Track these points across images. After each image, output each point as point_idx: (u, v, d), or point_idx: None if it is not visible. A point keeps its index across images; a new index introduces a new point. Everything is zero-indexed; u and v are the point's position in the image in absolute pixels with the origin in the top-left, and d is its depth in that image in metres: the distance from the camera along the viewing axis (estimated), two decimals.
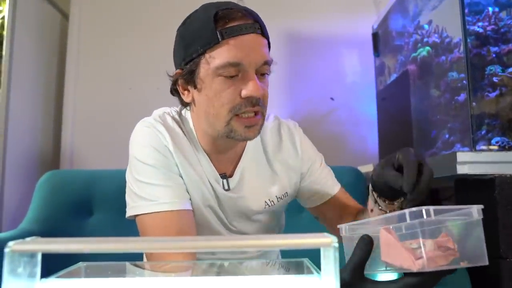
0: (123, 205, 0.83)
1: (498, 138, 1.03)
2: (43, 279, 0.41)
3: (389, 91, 1.62)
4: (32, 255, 0.38)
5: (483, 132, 1.04)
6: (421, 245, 0.50)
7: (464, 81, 1.06)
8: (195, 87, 0.79)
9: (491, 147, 1.02)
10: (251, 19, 0.76)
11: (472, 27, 1.09)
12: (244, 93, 0.75)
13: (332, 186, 0.93)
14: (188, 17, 0.80)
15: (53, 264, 0.45)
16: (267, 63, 0.77)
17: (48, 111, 1.83)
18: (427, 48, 1.30)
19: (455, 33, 1.12)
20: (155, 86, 1.67)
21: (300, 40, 1.87)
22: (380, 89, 1.73)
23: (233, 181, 0.86)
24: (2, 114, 1.50)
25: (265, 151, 0.90)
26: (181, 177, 0.82)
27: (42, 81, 1.78)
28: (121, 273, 0.54)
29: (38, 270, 0.39)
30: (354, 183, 1.38)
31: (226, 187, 0.85)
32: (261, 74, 0.78)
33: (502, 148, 1.02)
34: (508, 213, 0.89)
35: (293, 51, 1.86)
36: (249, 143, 0.89)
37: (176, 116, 0.87)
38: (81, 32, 1.84)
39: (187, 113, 0.87)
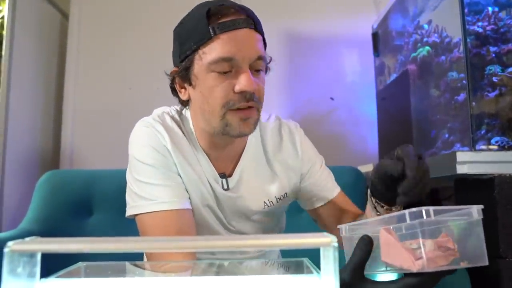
0: (123, 205, 0.83)
1: (497, 138, 1.03)
2: (43, 279, 0.41)
3: (389, 91, 1.62)
4: (31, 255, 0.38)
5: (482, 132, 1.04)
6: (421, 245, 0.50)
7: (464, 81, 1.06)
8: (190, 84, 0.80)
9: (491, 146, 1.02)
10: (244, 15, 0.76)
11: (471, 27, 1.09)
12: (237, 87, 0.74)
13: (332, 189, 0.93)
14: (184, 16, 0.81)
15: (52, 264, 0.45)
16: (261, 58, 0.77)
17: (48, 110, 1.83)
18: (427, 48, 1.30)
19: (455, 33, 1.12)
20: (155, 86, 1.67)
21: (300, 40, 1.87)
22: (380, 89, 1.73)
23: (232, 180, 0.86)
24: (2, 113, 1.50)
25: (265, 151, 0.90)
26: (180, 176, 0.82)
27: (42, 81, 1.78)
28: (121, 273, 0.54)
29: (38, 270, 0.39)
30: (354, 183, 1.38)
31: (225, 187, 0.85)
32: (256, 70, 0.77)
33: (501, 147, 1.02)
34: (508, 213, 0.89)
35: (293, 51, 1.86)
36: (249, 142, 0.89)
37: (176, 116, 0.87)
38: (81, 32, 1.84)
39: (187, 113, 0.88)
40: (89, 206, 1.34)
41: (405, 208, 0.59)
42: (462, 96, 1.09)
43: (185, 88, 0.82)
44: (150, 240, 0.41)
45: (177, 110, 0.89)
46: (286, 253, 1.03)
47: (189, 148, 0.84)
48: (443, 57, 1.19)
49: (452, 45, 1.14)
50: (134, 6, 1.87)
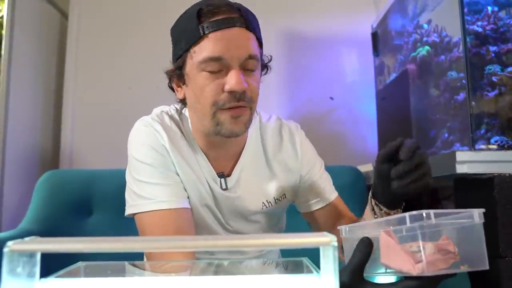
0: (122, 204, 0.83)
1: (497, 137, 1.03)
2: (42, 279, 0.41)
3: (389, 91, 1.62)
4: (31, 254, 0.38)
5: (482, 131, 1.04)
6: (421, 248, 0.50)
7: (464, 81, 1.06)
8: (184, 83, 0.80)
9: (490, 146, 1.02)
10: (236, 14, 0.75)
11: (471, 27, 1.09)
12: (226, 87, 0.74)
13: (330, 192, 0.93)
14: (179, 16, 0.81)
15: (52, 264, 0.45)
16: (252, 57, 0.75)
17: (48, 110, 1.82)
18: (427, 47, 1.30)
19: (455, 33, 1.12)
20: (155, 85, 1.66)
21: (300, 39, 1.87)
22: (379, 89, 1.73)
23: (231, 180, 0.86)
24: (1, 113, 1.50)
25: (265, 151, 0.90)
26: (179, 176, 0.82)
27: (41, 80, 1.78)
28: (121, 272, 0.54)
29: (37, 269, 0.39)
30: (354, 182, 1.38)
31: (224, 187, 0.85)
32: (248, 69, 0.76)
33: (501, 147, 1.02)
34: (507, 213, 0.89)
35: (293, 51, 1.86)
36: (248, 142, 0.88)
37: (175, 115, 0.87)
38: (80, 31, 1.84)
39: (187, 112, 0.88)
40: (88, 206, 1.34)
41: (405, 212, 0.59)
42: (461, 96, 1.09)
43: (181, 87, 0.82)
44: (150, 240, 0.41)
45: (176, 109, 0.89)
46: (286, 253, 1.03)
47: (187, 147, 0.84)
48: (442, 57, 1.19)
49: (451, 45, 1.14)
50: (133, 6, 1.87)
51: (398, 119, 1.50)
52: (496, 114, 1.05)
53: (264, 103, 0.95)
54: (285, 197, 0.90)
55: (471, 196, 0.98)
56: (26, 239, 0.38)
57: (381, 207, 0.72)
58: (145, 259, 0.90)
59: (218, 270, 0.61)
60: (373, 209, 0.74)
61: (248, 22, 0.76)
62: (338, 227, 0.64)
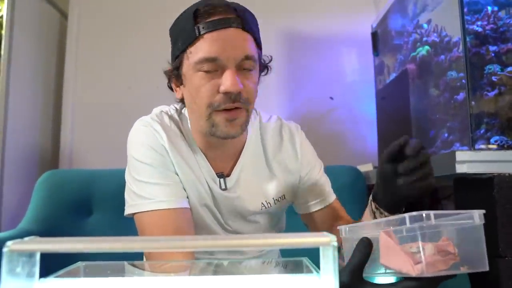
0: (122, 204, 0.83)
1: (497, 137, 1.03)
2: (42, 279, 0.41)
3: (389, 90, 1.62)
4: (30, 254, 0.38)
5: (482, 131, 1.04)
6: (421, 249, 0.50)
7: (463, 80, 1.06)
8: (182, 83, 0.80)
9: (490, 146, 1.02)
10: (233, 14, 0.75)
11: (471, 26, 1.09)
12: (221, 88, 0.73)
13: (329, 195, 0.93)
14: (178, 16, 0.81)
15: (52, 264, 0.45)
16: (249, 57, 0.75)
17: (47, 110, 1.82)
18: (426, 47, 1.30)
19: (454, 32, 1.12)
20: (154, 85, 1.66)
21: (300, 39, 1.87)
22: (379, 88, 1.73)
23: (230, 180, 0.86)
24: (1, 113, 1.50)
25: (265, 151, 0.90)
26: (178, 176, 0.82)
27: (40, 80, 1.78)
28: (120, 272, 0.54)
29: (37, 269, 0.39)
30: (353, 182, 1.38)
31: (223, 187, 0.85)
32: (244, 69, 0.76)
33: (501, 147, 1.02)
34: (507, 212, 0.89)
35: (292, 51, 1.86)
36: (248, 141, 0.88)
37: (175, 115, 0.87)
38: (80, 31, 1.83)
39: (186, 112, 0.88)
40: (88, 206, 1.34)
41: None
42: (461, 96, 1.09)
43: (179, 87, 0.83)
44: (149, 240, 0.41)
45: (176, 109, 0.89)
46: (285, 253, 1.03)
47: (187, 147, 0.84)
48: (442, 57, 1.19)
49: (451, 45, 1.14)
50: (133, 6, 1.87)
51: (398, 119, 1.50)
52: (496, 114, 1.05)
53: (264, 103, 0.95)
54: (284, 197, 0.90)
55: (470, 196, 0.98)
56: (26, 239, 0.38)
57: (382, 210, 0.72)
58: (144, 259, 0.90)
59: (218, 270, 0.61)
60: (373, 213, 0.74)
61: (245, 22, 0.75)
62: (338, 227, 0.64)
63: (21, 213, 1.34)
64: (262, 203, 0.88)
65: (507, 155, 0.94)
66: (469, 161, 0.93)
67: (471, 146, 1.01)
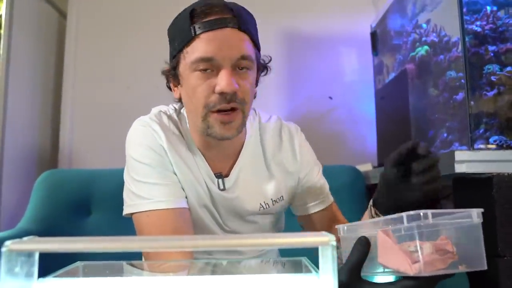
0: (121, 204, 0.83)
1: (496, 137, 1.03)
2: (41, 279, 0.41)
3: (388, 90, 1.62)
4: (29, 254, 0.38)
5: (481, 131, 1.04)
6: (418, 248, 0.50)
7: (462, 80, 1.06)
8: (179, 83, 0.80)
9: (489, 146, 1.02)
10: (229, 14, 0.75)
11: (470, 26, 1.09)
12: (217, 88, 0.73)
13: (326, 197, 0.93)
14: (176, 16, 0.81)
15: (50, 264, 0.45)
16: (245, 57, 0.75)
17: (46, 110, 1.82)
18: (426, 47, 1.30)
19: (454, 32, 1.12)
20: (153, 85, 1.65)
21: (299, 39, 1.87)
22: (378, 88, 1.73)
23: (229, 181, 0.85)
24: (0, 113, 1.49)
25: (264, 151, 0.89)
26: (176, 176, 0.82)
27: (39, 80, 1.77)
28: (119, 272, 0.54)
29: (36, 269, 0.39)
30: (353, 182, 1.38)
31: (222, 187, 0.85)
32: (240, 69, 0.75)
33: (500, 147, 1.02)
34: (506, 212, 0.89)
35: (292, 50, 1.86)
36: (247, 142, 0.88)
37: (174, 115, 0.87)
38: (79, 30, 1.83)
39: (185, 111, 0.87)
40: (87, 206, 1.34)
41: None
42: (460, 95, 1.09)
43: (177, 87, 0.83)
44: (148, 239, 0.41)
45: (175, 109, 0.89)
46: (284, 253, 1.03)
47: (185, 147, 0.84)
48: (441, 56, 1.19)
49: (450, 44, 1.14)
50: (132, 5, 1.87)
51: (397, 119, 1.50)
52: (495, 113, 1.05)
53: (263, 102, 0.95)
54: (283, 198, 0.90)
55: (470, 196, 0.99)
56: (25, 238, 0.38)
57: (381, 216, 0.72)
58: (143, 259, 0.90)
59: (217, 269, 0.61)
60: (372, 217, 0.74)
61: (242, 22, 0.75)
62: (336, 226, 0.64)
63: (20, 213, 1.34)
64: (260, 203, 0.87)
65: (506, 155, 0.94)
66: (468, 160, 0.93)
67: (470, 146, 1.01)
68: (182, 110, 0.88)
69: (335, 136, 1.81)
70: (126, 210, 0.80)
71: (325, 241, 0.37)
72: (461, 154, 0.93)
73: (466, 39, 1.07)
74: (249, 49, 0.76)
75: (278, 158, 0.89)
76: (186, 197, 0.82)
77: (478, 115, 1.05)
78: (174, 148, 0.82)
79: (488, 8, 1.10)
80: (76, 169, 1.65)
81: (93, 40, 1.83)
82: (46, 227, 1.25)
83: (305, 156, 0.91)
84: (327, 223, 0.92)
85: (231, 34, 0.74)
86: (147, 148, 0.80)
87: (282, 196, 0.90)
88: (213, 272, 0.60)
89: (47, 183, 1.33)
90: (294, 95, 1.84)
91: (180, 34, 0.76)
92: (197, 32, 0.73)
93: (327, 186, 0.95)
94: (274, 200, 0.88)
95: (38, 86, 1.77)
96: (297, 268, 0.53)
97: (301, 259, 0.53)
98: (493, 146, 1.02)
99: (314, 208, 0.92)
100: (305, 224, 0.96)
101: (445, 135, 1.17)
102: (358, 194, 1.38)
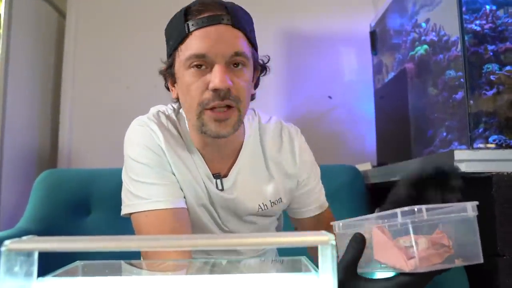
0: (120, 204, 0.82)
1: (495, 136, 1.03)
2: (40, 278, 0.41)
3: (387, 90, 1.62)
4: (28, 254, 0.38)
5: (480, 130, 1.04)
6: (413, 243, 0.50)
7: (462, 79, 1.06)
8: (175, 82, 0.80)
9: (489, 145, 1.03)
10: (223, 11, 0.74)
11: (469, 26, 1.09)
12: (210, 85, 0.73)
13: (323, 202, 0.93)
14: (172, 16, 0.81)
15: (50, 263, 0.45)
16: (239, 54, 0.74)
17: (45, 109, 1.82)
18: (425, 46, 1.30)
19: (453, 32, 1.12)
20: (153, 84, 1.66)
21: (298, 38, 1.86)
22: (378, 88, 1.73)
23: (227, 181, 0.85)
24: None
25: (264, 152, 0.89)
26: (175, 175, 0.81)
27: (39, 79, 1.77)
28: (118, 271, 0.54)
29: (35, 269, 0.39)
30: (352, 181, 1.38)
31: (220, 187, 0.84)
32: (235, 65, 0.75)
33: (499, 146, 1.02)
34: (505, 211, 0.89)
35: (291, 50, 1.86)
36: (246, 142, 0.87)
37: (172, 115, 0.87)
38: (78, 30, 1.83)
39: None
40: (86, 205, 1.33)
41: None
42: (460, 95, 1.09)
43: (174, 87, 0.82)
44: (148, 239, 0.41)
45: (174, 108, 0.88)
46: (283, 252, 1.03)
47: (183, 147, 0.83)
48: (441, 56, 1.19)
49: (450, 44, 1.14)
50: (131, 5, 1.86)
51: (396, 118, 1.50)
52: (494, 113, 1.05)
53: (263, 102, 0.95)
54: (281, 201, 0.89)
55: (469, 195, 0.98)
56: (24, 238, 0.38)
57: None
58: (141, 259, 0.90)
59: (216, 269, 0.61)
60: None
61: (235, 19, 0.75)
62: (331, 223, 0.64)
63: (19, 213, 1.34)
64: (259, 205, 0.87)
65: (505, 154, 0.94)
66: (468, 160, 0.93)
67: (470, 145, 1.01)
68: (181, 110, 0.88)
69: (334, 136, 1.81)
70: (124, 210, 0.80)
71: (325, 240, 0.37)
72: (460, 154, 0.93)
73: (466, 38, 1.07)
74: (243, 45, 0.75)
75: (278, 160, 0.88)
76: (184, 197, 0.82)
77: (478, 114, 1.05)
78: (172, 148, 0.81)
79: (488, 7, 1.11)
80: (76, 169, 1.65)
81: (93, 40, 1.83)
82: (46, 227, 1.25)
83: (305, 161, 0.90)
84: (321, 228, 0.91)
85: (224, 30, 0.74)
86: (145, 148, 0.80)
87: (281, 198, 0.89)
88: (213, 272, 0.60)
89: (47, 183, 1.33)
90: (294, 94, 1.84)
91: (175, 33, 0.76)
92: (191, 29, 0.73)
93: (323, 192, 0.95)
94: (273, 202, 0.88)
95: (37, 86, 1.76)
96: (297, 267, 0.53)
97: (300, 258, 0.53)
98: (493, 146, 1.02)
99: (309, 213, 0.92)
100: (299, 227, 0.96)
101: (445, 134, 1.17)
102: (357, 193, 1.38)
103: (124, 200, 0.81)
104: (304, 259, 0.53)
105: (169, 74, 0.81)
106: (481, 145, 1.02)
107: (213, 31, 0.73)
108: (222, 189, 0.84)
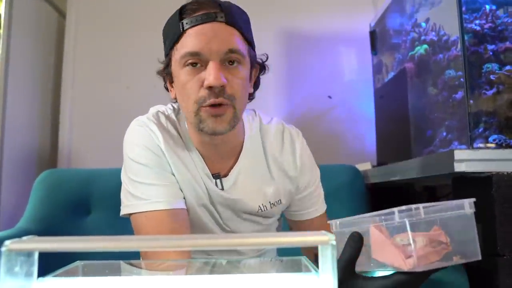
0: (120, 204, 0.82)
1: (495, 136, 1.03)
2: (40, 278, 0.41)
3: (387, 89, 1.62)
4: (29, 254, 0.38)
5: (480, 130, 1.04)
6: (411, 242, 0.50)
7: (462, 79, 1.06)
8: (173, 82, 0.80)
9: (489, 145, 1.02)
10: (217, 9, 0.74)
11: (469, 25, 1.09)
12: (205, 83, 0.73)
13: (321, 205, 0.93)
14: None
15: (50, 263, 0.45)
16: (234, 51, 0.74)
17: (45, 109, 1.82)
18: (425, 46, 1.30)
19: (453, 31, 1.12)
20: (152, 84, 1.65)
21: (298, 38, 1.86)
22: (377, 87, 1.73)
23: (227, 181, 0.85)
24: None
25: (265, 153, 0.88)
26: (174, 176, 0.81)
27: (39, 79, 1.77)
28: (119, 271, 0.54)
29: (35, 269, 0.39)
30: (352, 181, 1.38)
31: (220, 187, 0.84)
32: (229, 63, 0.75)
33: (499, 146, 1.02)
34: (505, 211, 0.89)
35: (291, 49, 1.85)
36: (246, 143, 0.87)
37: (172, 115, 0.86)
38: (78, 30, 1.83)
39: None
40: (86, 205, 1.33)
41: None
42: (459, 94, 1.09)
43: (173, 87, 0.82)
44: (147, 239, 0.41)
45: (173, 108, 0.88)
46: (283, 252, 1.03)
47: (183, 147, 0.83)
48: (440, 55, 1.19)
49: (449, 43, 1.14)
50: (131, 5, 1.86)
51: (396, 118, 1.50)
52: (494, 112, 1.05)
53: (262, 101, 0.95)
54: (281, 202, 0.89)
55: (469, 195, 0.98)
56: (24, 238, 0.38)
57: None
58: (141, 259, 0.90)
59: (215, 269, 0.61)
60: None
61: (230, 17, 0.75)
62: (329, 222, 0.64)
63: (19, 213, 1.34)
64: (259, 205, 0.87)
65: (505, 154, 0.94)
66: (468, 160, 0.93)
67: (470, 145, 1.01)
68: (180, 110, 0.88)
69: (334, 135, 1.81)
70: (124, 211, 0.80)
71: (325, 240, 0.37)
72: (460, 153, 0.93)
73: (465, 38, 1.07)
74: (238, 43, 0.75)
75: (279, 162, 0.88)
76: (184, 198, 0.82)
77: (478, 114, 1.05)
78: (172, 148, 0.81)
79: (487, 7, 1.11)
80: (75, 169, 1.65)
81: (93, 40, 1.83)
82: (46, 227, 1.25)
83: (305, 164, 0.90)
84: (320, 230, 0.91)
85: (218, 28, 0.74)
86: (144, 149, 0.80)
87: (280, 200, 0.89)
88: (213, 272, 0.60)
89: (46, 183, 1.33)
90: (293, 94, 1.84)
91: (171, 32, 0.77)
92: (185, 28, 0.74)
93: (322, 195, 0.95)
94: (272, 203, 0.88)
95: (37, 86, 1.76)
96: (297, 267, 0.53)
97: (300, 258, 0.53)
98: (493, 145, 1.02)
99: (307, 216, 0.92)
100: (295, 228, 0.96)
101: (444, 134, 1.17)
102: (357, 193, 1.38)
103: (123, 201, 0.81)
104: (304, 259, 0.53)
105: (166, 74, 0.81)
106: (481, 145, 1.02)
107: (207, 29, 0.73)
108: (222, 189, 0.84)
